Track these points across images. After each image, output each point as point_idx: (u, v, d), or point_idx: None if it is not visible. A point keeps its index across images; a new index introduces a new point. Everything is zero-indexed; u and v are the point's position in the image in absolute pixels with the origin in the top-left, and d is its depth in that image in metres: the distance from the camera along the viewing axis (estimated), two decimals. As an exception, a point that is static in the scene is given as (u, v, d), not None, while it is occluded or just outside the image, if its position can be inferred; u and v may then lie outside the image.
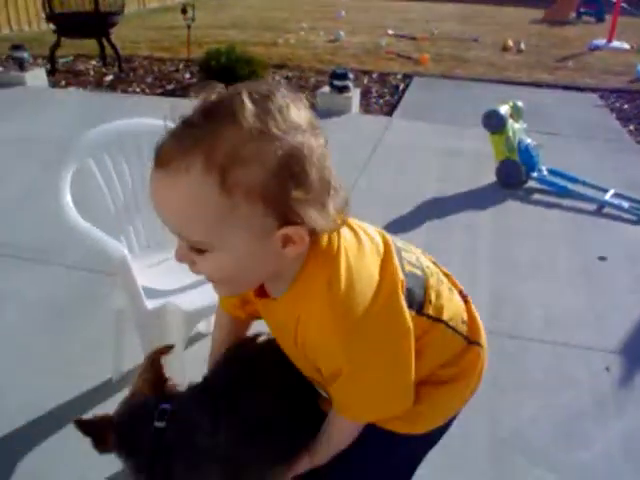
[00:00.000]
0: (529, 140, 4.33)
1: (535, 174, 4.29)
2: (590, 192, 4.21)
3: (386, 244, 1.14)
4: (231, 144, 0.89)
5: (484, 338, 1.31)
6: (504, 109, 4.23)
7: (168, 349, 1.34)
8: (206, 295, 2.05)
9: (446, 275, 1.29)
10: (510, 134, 4.22)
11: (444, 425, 1.30)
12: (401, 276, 1.10)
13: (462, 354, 1.25)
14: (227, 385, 1.24)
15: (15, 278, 3.05)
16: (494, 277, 3.18)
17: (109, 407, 2.24)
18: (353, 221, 1.14)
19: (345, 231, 1.09)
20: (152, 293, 2.04)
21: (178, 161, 0.90)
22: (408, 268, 1.14)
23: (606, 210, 4.07)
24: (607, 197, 4.14)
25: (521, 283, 3.12)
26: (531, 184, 4.33)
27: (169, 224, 0.97)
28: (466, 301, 1.30)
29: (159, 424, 1.16)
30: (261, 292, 1.17)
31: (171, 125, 0.96)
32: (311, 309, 1.04)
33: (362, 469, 1.30)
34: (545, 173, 4.35)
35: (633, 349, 2.70)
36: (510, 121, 4.25)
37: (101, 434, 1.21)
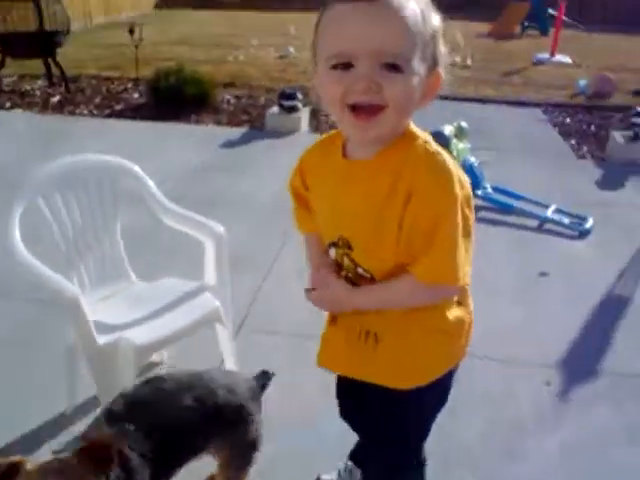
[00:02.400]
0: (473, 159, 4.47)
1: (480, 192, 4.43)
2: (533, 208, 4.37)
3: None
4: None
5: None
6: (448, 130, 4.37)
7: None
8: (158, 328, 2.10)
9: None
10: (454, 154, 4.35)
11: (445, 382, 1.53)
12: None
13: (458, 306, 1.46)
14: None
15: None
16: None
17: (63, 440, 2.26)
18: None
19: None
20: (103, 328, 2.06)
21: None
22: None
23: (548, 226, 4.24)
24: (549, 213, 4.30)
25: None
26: (476, 202, 4.35)
27: (376, 43, 1.15)
28: None
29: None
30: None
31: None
32: (418, 158, 1.25)
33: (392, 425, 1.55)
34: (490, 191, 4.49)
35: (572, 363, 2.83)
36: (454, 141, 4.39)
37: None
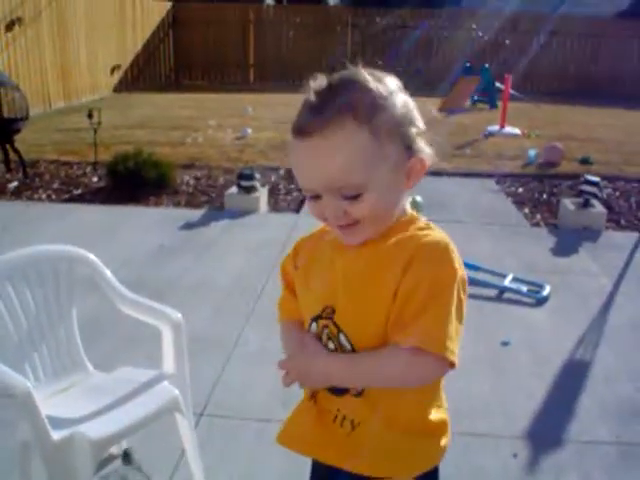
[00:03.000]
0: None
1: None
2: (491, 278, 4.45)
3: None
4: (368, 102, 1.19)
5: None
6: (404, 204, 4.45)
7: None
8: (115, 421, 2.04)
9: None
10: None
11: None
12: None
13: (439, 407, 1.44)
14: None
15: None
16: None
17: None
18: None
19: None
20: (58, 422, 1.99)
21: (330, 124, 1.17)
22: None
23: (506, 295, 4.30)
24: (506, 282, 4.38)
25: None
26: None
27: (327, 181, 1.20)
28: None
29: None
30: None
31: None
32: (419, 233, 1.28)
33: None
34: (447, 262, 4.55)
35: (538, 433, 2.83)
36: (410, 215, 4.47)
37: None
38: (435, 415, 1.42)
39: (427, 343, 1.24)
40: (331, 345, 1.36)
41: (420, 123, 1.28)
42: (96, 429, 1.98)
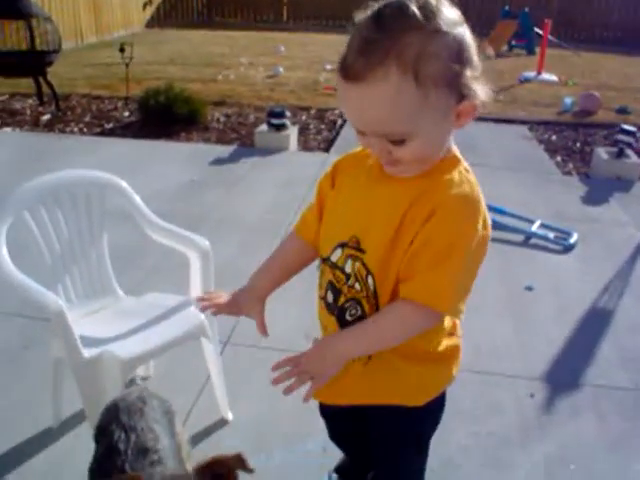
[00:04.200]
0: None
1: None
2: (518, 224, 4.42)
3: None
4: (415, 46, 1.10)
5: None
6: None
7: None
8: (143, 342, 2.12)
9: None
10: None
11: (439, 403, 1.53)
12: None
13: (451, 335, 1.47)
14: None
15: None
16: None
17: (50, 454, 2.27)
18: None
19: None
20: (89, 342, 2.07)
21: (374, 72, 1.10)
22: None
23: (533, 241, 4.28)
24: (534, 228, 4.35)
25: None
26: None
27: (371, 127, 1.19)
28: None
29: None
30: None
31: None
32: (452, 182, 1.25)
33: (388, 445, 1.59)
34: (475, 206, 4.53)
35: (556, 376, 2.86)
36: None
37: None
38: (446, 343, 1.45)
39: (434, 297, 1.25)
40: (357, 287, 1.35)
41: (476, 63, 1.19)
42: (125, 349, 2.05)
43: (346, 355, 1.36)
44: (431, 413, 1.56)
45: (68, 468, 2.19)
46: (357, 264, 1.34)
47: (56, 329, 2.05)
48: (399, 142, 1.18)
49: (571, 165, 6.17)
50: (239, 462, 1.17)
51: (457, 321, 1.49)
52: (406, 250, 1.26)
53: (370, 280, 1.32)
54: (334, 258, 1.40)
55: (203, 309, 1.60)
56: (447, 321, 1.44)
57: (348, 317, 1.39)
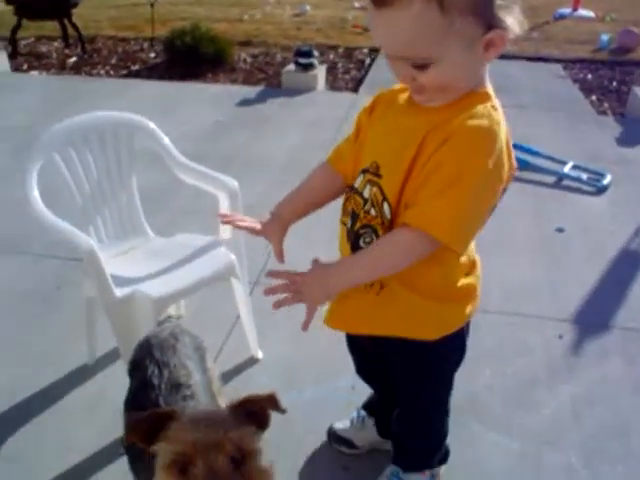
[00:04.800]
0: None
1: (496, 148, 4.38)
2: (550, 165, 4.34)
3: None
4: None
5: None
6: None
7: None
8: (173, 281, 2.14)
9: None
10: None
11: (458, 341, 1.56)
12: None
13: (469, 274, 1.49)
14: None
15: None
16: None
17: (88, 390, 2.34)
18: None
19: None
20: (121, 281, 2.10)
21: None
22: None
23: (565, 182, 4.21)
24: (566, 169, 4.27)
25: (480, 256, 3.21)
26: None
27: (397, 51, 1.21)
28: None
29: None
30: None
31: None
32: (475, 114, 1.23)
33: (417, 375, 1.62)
34: (506, 147, 4.44)
35: (586, 317, 2.84)
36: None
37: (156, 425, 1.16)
38: (463, 281, 1.46)
39: (425, 224, 1.24)
40: (373, 212, 1.37)
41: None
42: (156, 288, 2.08)
43: (340, 281, 1.36)
44: (450, 350, 1.58)
45: (103, 403, 2.26)
46: (374, 189, 1.36)
47: (88, 269, 2.08)
48: (422, 67, 1.20)
49: (606, 105, 5.99)
50: (272, 402, 1.19)
51: (477, 261, 1.50)
52: (417, 171, 1.27)
53: (385, 206, 1.34)
54: (357, 184, 1.43)
55: (225, 223, 1.67)
56: (464, 258, 1.45)
57: (362, 244, 1.41)
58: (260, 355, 2.51)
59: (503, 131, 1.26)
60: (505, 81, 6.18)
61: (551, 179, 4.23)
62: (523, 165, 4.31)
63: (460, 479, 2.03)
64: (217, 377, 1.70)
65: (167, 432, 1.10)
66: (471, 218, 1.27)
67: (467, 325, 1.58)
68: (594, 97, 6.19)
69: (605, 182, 4.14)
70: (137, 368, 1.58)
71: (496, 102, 1.29)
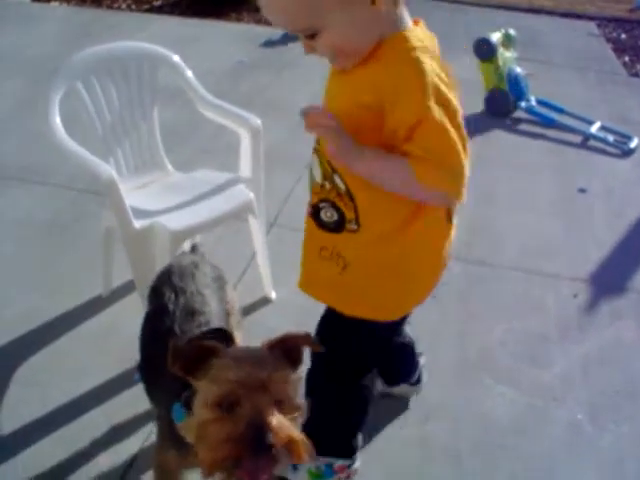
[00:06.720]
0: (519, 69, 4.32)
1: (523, 104, 4.31)
2: (577, 124, 4.25)
3: None
4: None
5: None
6: (495, 37, 4.21)
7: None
8: (192, 215, 2.14)
9: None
10: (500, 63, 4.21)
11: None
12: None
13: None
14: None
15: (2, 197, 3.10)
16: (473, 206, 3.23)
17: (102, 320, 2.36)
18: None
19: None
20: (140, 213, 2.10)
21: None
22: None
23: (591, 143, 4.13)
24: (593, 130, 4.18)
25: (500, 212, 3.18)
26: (519, 114, 4.35)
27: (282, 25, 1.25)
28: None
29: None
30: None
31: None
32: (390, 69, 1.21)
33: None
34: (533, 103, 4.36)
35: (602, 278, 2.83)
36: (501, 50, 4.23)
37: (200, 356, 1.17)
38: (427, 259, 1.45)
39: (431, 153, 1.21)
40: (327, 185, 1.37)
41: None
42: (175, 221, 2.07)
43: (360, 157, 1.27)
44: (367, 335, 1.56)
45: (117, 332, 2.28)
46: (324, 163, 1.37)
47: (108, 199, 2.07)
48: (312, 36, 1.22)
49: (639, 67, 5.83)
50: (308, 341, 1.23)
51: (445, 234, 1.45)
52: (367, 138, 1.25)
53: (337, 178, 1.34)
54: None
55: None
56: (431, 234, 1.41)
57: (323, 217, 1.42)
58: (274, 295, 2.52)
59: (429, 70, 1.21)
60: (536, 37, 6.03)
61: (577, 138, 4.15)
62: (549, 122, 4.23)
63: (467, 427, 2.06)
64: (237, 310, 1.71)
65: (210, 369, 1.11)
66: (455, 141, 1.22)
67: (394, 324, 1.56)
68: (627, 58, 6.02)
69: (632, 145, 4.06)
70: (155, 294, 1.59)
71: (415, 34, 1.25)
